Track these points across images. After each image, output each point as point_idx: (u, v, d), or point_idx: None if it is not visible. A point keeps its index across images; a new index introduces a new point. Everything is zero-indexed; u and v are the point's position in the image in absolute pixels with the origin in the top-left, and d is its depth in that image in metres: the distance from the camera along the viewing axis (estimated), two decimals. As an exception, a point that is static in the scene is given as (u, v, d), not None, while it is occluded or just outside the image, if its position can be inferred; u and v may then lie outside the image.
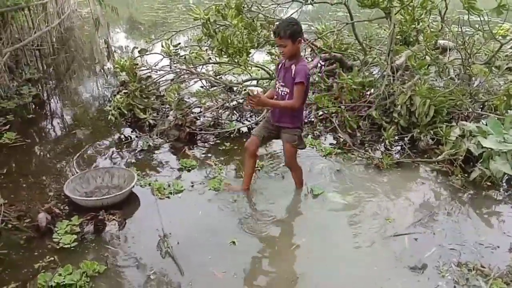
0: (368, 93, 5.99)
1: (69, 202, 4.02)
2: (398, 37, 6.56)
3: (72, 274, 3.11)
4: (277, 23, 3.70)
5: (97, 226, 3.67)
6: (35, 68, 8.17)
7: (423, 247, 3.56)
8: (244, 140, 4.76)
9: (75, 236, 3.54)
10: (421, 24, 5.89)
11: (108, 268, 3.25)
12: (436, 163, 4.80)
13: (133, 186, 4.15)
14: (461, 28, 5.73)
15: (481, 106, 5.88)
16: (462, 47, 5.86)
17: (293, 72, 3.67)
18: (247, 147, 4.11)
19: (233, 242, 3.50)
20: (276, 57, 6.18)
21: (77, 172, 4.47)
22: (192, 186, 4.38)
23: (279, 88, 3.88)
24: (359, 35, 6.51)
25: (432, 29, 5.93)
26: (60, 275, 3.11)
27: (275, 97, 3.93)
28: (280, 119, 3.95)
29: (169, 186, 4.35)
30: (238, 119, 6.02)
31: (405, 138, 5.28)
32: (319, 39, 6.73)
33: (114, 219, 3.81)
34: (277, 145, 5.03)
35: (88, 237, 3.59)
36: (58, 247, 3.44)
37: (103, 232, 3.65)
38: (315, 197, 4.24)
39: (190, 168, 4.73)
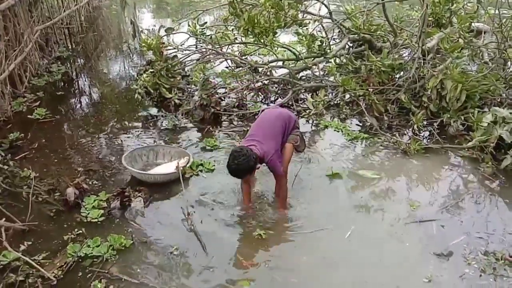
0: (397, 76, 5.84)
1: (97, 177, 4.12)
2: (430, 18, 6.32)
3: (100, 246, 3.20)
4: (230, 166, 3.32)
5: (123, 202, 3.75)
6: (64, 47, 8.31)
7: (450, 234, 3.49)
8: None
9: (102, 211, 3.63)
10: (455, 5, 5.66)
11: (134, 243, 3.32)
12: (466, 149, 4.66)
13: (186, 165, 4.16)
14: (498, 9, 5.47)
15: (516, 92, 5.65)
16: (498, 29, 5.62)
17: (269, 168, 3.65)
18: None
19: (260, 235, 3.45)
20: (303, 37, 6.06)
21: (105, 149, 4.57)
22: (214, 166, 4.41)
23: None
24: (389, 16, 6.32)
25: (466, 11, 5.69)
26: (88, 246, 3.21)
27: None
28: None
29: (201, 165, 4.39)
30: (262, 100, 5.99)
31: (434, 123, 5.14)
32: (347, 20, 6.56)
33: (139, 196, 3.88)
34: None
35: (114, 213, 3.67)
36: (85, 221, 3.54)
37: (129, 208, 3.73)
38: (336, 178, 4.21)
39: (213, 148, 4.75)
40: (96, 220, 3.54)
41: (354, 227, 3.57)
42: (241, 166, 3.28)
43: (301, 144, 3.94)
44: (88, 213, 3.60)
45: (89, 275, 3.01)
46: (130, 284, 2.96)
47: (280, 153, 3.65)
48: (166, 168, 4.16)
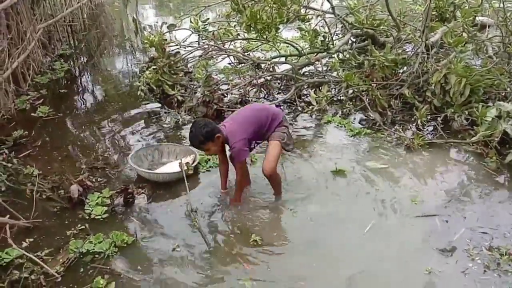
0: (401, 71, 5.80)
1: (100, 175, 4.13)
2: (433, 13, 6.29)
3: (102, 243, 3.21)
4: (189, 136, 3.45)
5: (127, 199, 3.76)
6: (67, 44, 8.33)
7: (453, 229, 3.47)
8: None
9: (105, 208, 3.64)
10: (459, -1, 5.62)
11: (136, 239, 3.34)
12: (470, 144, 4.63)
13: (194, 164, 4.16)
14: (502, 3, 5.42)
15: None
16: (502, 23, 5.57)
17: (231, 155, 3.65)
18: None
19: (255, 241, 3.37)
20: (306, 32, 6.03)
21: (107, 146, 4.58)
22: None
23: None
24: (392, 11, 6.27)
25: (470, 5, 5.65)
26: (90, 242, 3.22)
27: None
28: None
29: (209, 160, 4.39)
30: (265, 97, 5.97)
31: (438, 118, 5.11)
32: (350, 15, 6.52)
33: (143, 193, 3.89)
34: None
35: (118, 210, 3.69)
36: (87, 218, 3.55)
37: (132, 205, 3.74)
38: (339, 175, 4.20)
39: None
40: (99, 217, 3.55)
41: (353, 219, 3.59)
42: (193, 133, 3.34)
43: (289, 142, 3.72)
44: (92, 210, 3.61)
45: (91, 271, 3.02)
46: (132, 280, 2.97)
47: (247, 144, 3.48)
48: (173, 167, 4.14)
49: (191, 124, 3.44)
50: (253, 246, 3.29)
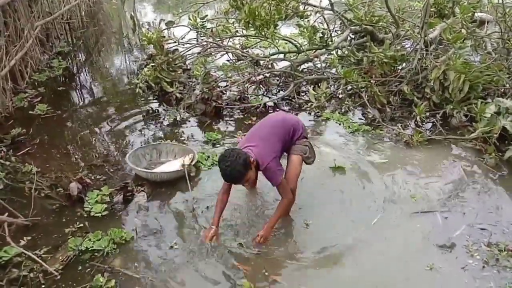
0: (400, 67, 5.79)
1: (99, 172, 4.12)
2: (432, 9, 6.28)
3: (100, 240, 3.21)
4: (224, 173, 2.97)
5: (126, 197, 3.75)
6: (65, 42, 8.30)
7: (453, 225, 3.48)
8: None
9: (105, 205, 3.63)
10: (458, -5, 5.61)
11: (134, 236, 3.33)
12: (469, 140, 4.63)
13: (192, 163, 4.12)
14: (501, -2, 5.42)
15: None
16: (501, 19, 5.56)
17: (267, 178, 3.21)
18: None
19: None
20: (305, 29, 6.02)
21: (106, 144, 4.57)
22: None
23: None
24: (391, 7, 6.26)
25: (469, 1, 5.63)
26: (89, 240, 3.22)
27: None
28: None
29: (208, 157, 4.38)
30: (264, 94, 5.96)
31: (437, 115, 5.10)
32: (349, 11, 6.51)
33: (142, 190, 3.89)
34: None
35: (117, 207, 3.68)
36: (86, 215, 3.55)
37: (131, 202, 3.73)
38: (339, 172, 4.20)
39: (215, 142, 4.74)
40: (99, 214, 3.54)
41: (353, 216, 3.58)
42: (233, 168, 2.88)
43: (311, 155, 3.43)
44: (92, 207, 3.60)
45: (89, 269, 3.02)
46: (131, 278, 2.96)
47: (280, 163, 3.19)
48: (171, 166, 4.13)
49: (221, 161, 2.95)
50: (249, 246, 3.28)
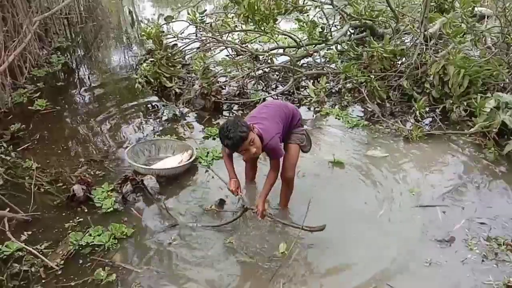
0: (399, 62, 5.78)
1: (97, 168, 4.12)
2: (432, 3, 6.24)
3: (101, 235, 3.22)
4: (225, 140, 2.93)
5: (134, 186, 3.75)
6: (64, 37, 8.26)
7: (452, 220, 3.49)
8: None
9: (114, 199, 3.62)
10: (458, -11, 5.58)
11: (135, 231, 3.34)
12: (469, 135, 4.64)
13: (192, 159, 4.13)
14: (502, -7, 5.40)
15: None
16: (501, 13, 5.54)
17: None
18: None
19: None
20: (304, 24, 6.00)
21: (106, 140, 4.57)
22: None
23: None
24: (391, 2, 6.23)
25: (470, -5, 5.60)
26: (90, 235, 3.22)
27: None
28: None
29: (208, 153, 4.38)
30: (263, 89, 5.95)
31: (437, 110, 5.11)
32: (349, 6, 6.49)
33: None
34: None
35: (128, 197, 3.68)
36: (86, 210, 3.55)
37: (141, 190, 3.75)
38: (338, 166, 4.20)
39: (215, 137, 4.73)
40: (111, 209, 3.53)
41: (352, 209, 3.60)
42: (235, 133, 2.84)
43: (307, 143, 3.51)
44: (102, 203, 3.58)
45: (90, 263, 3.02)
46: (132, 272, 2.97)
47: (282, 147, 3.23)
48: (170, 162, 4.13)
49: (221, 130, 2.93)
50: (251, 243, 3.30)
